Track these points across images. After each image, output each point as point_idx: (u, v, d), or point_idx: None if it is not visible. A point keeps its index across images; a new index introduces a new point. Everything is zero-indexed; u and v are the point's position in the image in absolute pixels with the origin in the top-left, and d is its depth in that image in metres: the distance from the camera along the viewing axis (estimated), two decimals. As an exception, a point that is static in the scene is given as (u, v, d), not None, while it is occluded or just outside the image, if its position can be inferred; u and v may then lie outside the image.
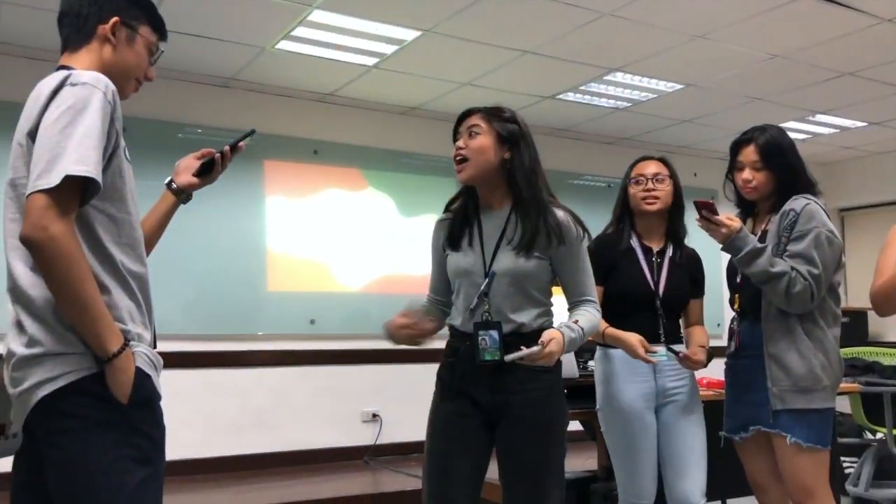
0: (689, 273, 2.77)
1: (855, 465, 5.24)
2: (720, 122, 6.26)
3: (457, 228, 2.28)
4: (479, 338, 2.15)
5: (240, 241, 5.40)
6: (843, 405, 5.14)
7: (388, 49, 4.83)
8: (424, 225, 6.06)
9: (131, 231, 1.61)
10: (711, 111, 6.12)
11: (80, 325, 1.47)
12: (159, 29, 1.77)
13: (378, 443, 5.73)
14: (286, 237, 5.65)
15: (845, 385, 3.99)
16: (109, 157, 1.54)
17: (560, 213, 2.23)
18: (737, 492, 2.70)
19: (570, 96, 5.78)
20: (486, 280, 2.18)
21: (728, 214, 2.58)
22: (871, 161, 7.48)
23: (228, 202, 5.21)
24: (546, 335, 2.07)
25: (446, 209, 2.36)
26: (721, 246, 2.57)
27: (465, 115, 2.29)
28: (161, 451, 1.60)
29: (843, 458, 5.19)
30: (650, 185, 2.70)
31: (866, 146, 7.09)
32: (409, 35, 4.62)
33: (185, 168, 1.95)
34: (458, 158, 2.23)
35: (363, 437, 5.75)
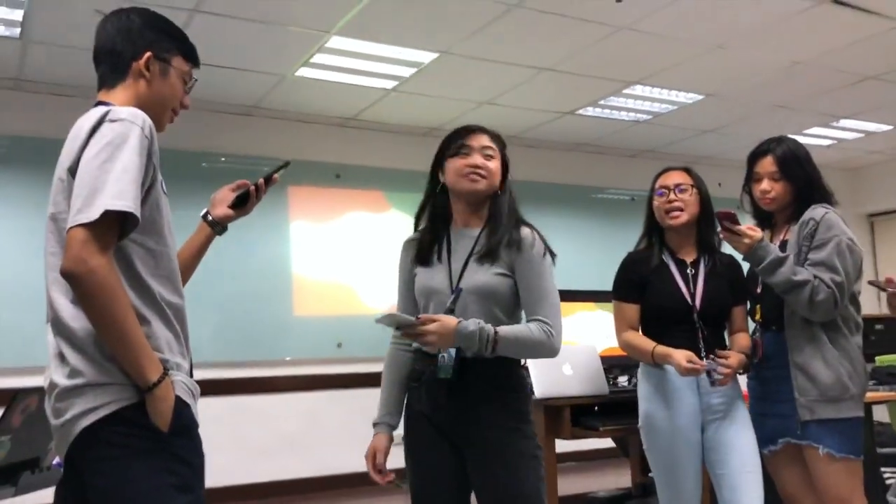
0: (729, 281, 2.70)
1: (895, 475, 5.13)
2: (743, 131, 6.22)
3: (426, 246, 2.25)
4: (440, 355, 2.10)
5: (265, 267, 5.43)
6: (881, 414, 5.04)
7: (407, 72, 4.86)
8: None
9: (168, 263, 1.63)
10: (734, 120, 6.09)
11: (120, 356, 1.49)
12: (191, 57, 1.80)
13: (409, 465, 5.70)
14: (311, 261, 5.68)
15: (884, 394, 3.92)
16: (147, 191, 1.57)
17: (525, 230, 2.19)
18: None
19: (590, 111, 5.78)
20: (453, 297, 2.12)
21: (749, 225, 2.57)
22: (899, 164, 7.38)
23: (254, 228, 5.24)
24: (433, 316, 2.01)
25: (416, 227, 2.34)
26: (743, 256, 2.54)
27: (473, 131, 2.24)
28: (201, 478, 1.61)
29: (883, 469, 5.08)
30: (672, 196, 2.64)
31: (892, 150, 7.00)
32: (427, 57, 4.65)
33: (221, 200, 1.99)
34: (480, 173, 2.18)
35: (394, 460, 5.71)
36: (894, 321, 6.11)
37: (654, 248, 2.70)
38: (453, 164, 2.20)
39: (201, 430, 1.64)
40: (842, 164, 7.40)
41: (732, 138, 6.46)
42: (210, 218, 1.97)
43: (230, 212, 1.98)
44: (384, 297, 5.91)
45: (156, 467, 1.51)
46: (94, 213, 1.45)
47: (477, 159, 2.18)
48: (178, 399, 1.55)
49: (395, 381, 2.30)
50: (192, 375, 1.67)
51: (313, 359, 5.62)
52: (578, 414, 3.20)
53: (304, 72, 4.81)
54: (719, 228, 2.54)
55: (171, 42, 1.75)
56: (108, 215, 1.45)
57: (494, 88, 5.21)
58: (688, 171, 2.73)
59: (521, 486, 2.04)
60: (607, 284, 2.80)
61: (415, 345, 2.18)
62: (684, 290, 2.63)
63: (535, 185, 6.38)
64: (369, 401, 6.03)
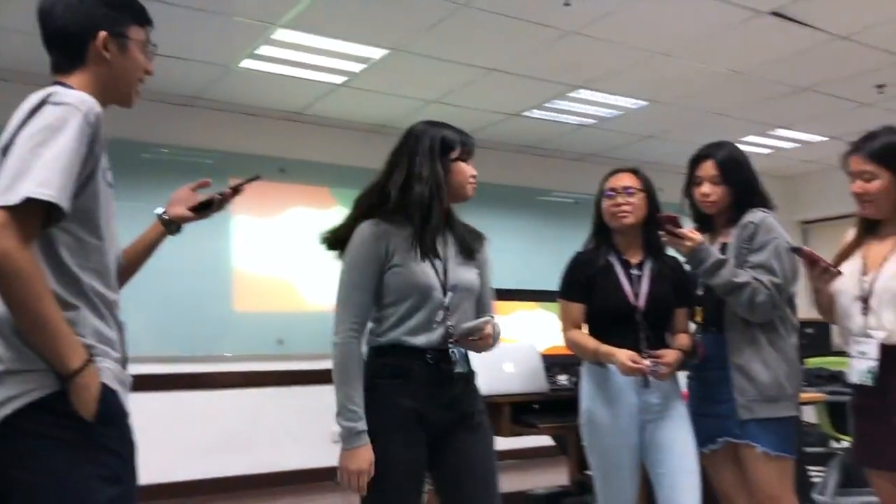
0: (673, 283, 2.75)
1: (821, 473, 5.30)
2: (684, 138, 6.33)
3: (406, 241, 2.16)
4: (451, 351, 2.14)
5: (205, 261, 5.34)
6: (809, 415, 5.21)
7: (356, 67, 4.84)
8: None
9: (101, 258, 1.56)
10: (675, 127, 6.22)
11: (38, 343, 1.44)
12: (143, 19, 1.71)
13: (349, 463, 5.68)
14: (253, 257, 5.61)
15: (812, 395, 4.04)
16: (85, 181, 1.50)
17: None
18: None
19: (537, 113, 5.83)
20: (449, 294, 2.16)
21: (690, 228, 2.62)
22: (832, 174, 7.61)
23: (193, 222, 5.15)
24: (488, 320, 2.15)
25: (381, 216, 2.20)
26: (684, 259, 2.60)
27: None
28: (131, 468, 1.56)
29: (809, 468, 5.25)
30: (621, 198, 2.66)
31: (827, 160, 7.23)
32: (377, 53, 4.63)
33: (180, 200, 1.93)
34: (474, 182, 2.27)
35: (334, 457, 5.67)
36: (823, 325, 6.28)
37: (601, 249, 2.72)
38: (460, 169, 2.22)
39: (138, 427, 1.60)
40: (778, 171, 7.62)
41: (673, 144, 6.59)
42: (166, 217, 1.91)
43: (188, 213, 1.93)
44: (327, 294, 5.86)
45: (81, 458, 1.45)
46: (13, 198, 1.39)
47: (472, 169, 2.27)
48: (104, 386, 1.48)
49: (360, 380, 2.11)
50: (125, 368, 1.63)
51: (254, 355, 5.56)
52: (518, 412, 3.22)
53: (248, 63, 4.75)
54: (661, 231, 2.58)
55: (122, 13, 1.65)
56: (30, 202, 1.39)
57: (443, 87, 5.22)
58: (636, 172, 2.74)
59: (495, 466, 2.22)
60: (551, 285, 2.83)
61: (400, 339, 2.12)
62: (628, 290, 2.66)
63: (482, 185, 6.35)
64: (311, 398, 6.04)
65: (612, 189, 2.68)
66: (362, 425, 2.06)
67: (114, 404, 1.52)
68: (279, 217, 5.75)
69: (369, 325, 2.19)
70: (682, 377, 2.76)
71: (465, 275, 2.21)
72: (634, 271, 2.68)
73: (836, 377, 4.66)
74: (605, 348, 2.57)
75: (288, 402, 5.61)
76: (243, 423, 5.41)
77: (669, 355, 2.57)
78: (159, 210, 1.93)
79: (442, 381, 2.15)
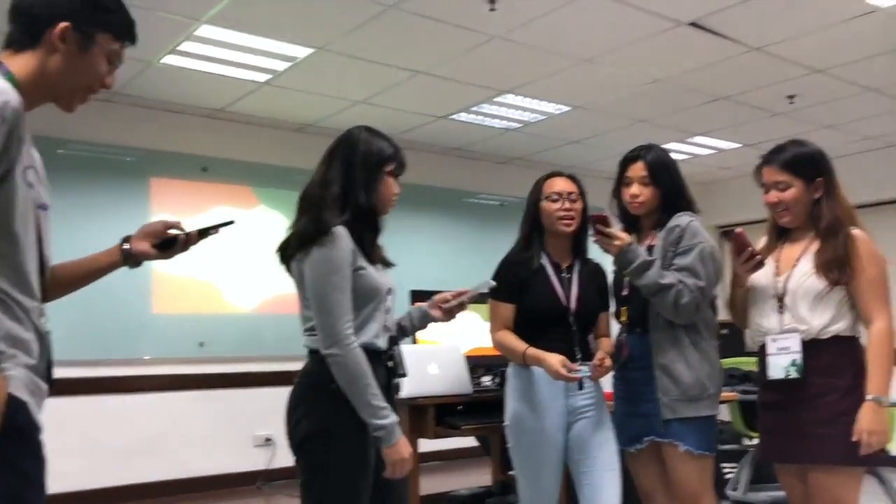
0: (597, 286, 2.81)
1: (734, 470, 5.49)
2: (606, 144, 6.50)
3: (357, 245, 2.15)
4: (397, 352, 2.21)
5: (124, 262, 5.18)
6: (723, 413, 5.38)
7: (281, 66, 4.78)
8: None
9: (17, 265, 1.45)
10: (598, 133, 6.35)
11: None
12: (123, 34, 1.60)
13: (272, 467, 5.60)
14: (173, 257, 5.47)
15: (725, 394, 4.18)
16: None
17: None
18: (626, 502, 2.77)
19: (463, 116, 5.87)
20: (392, 296, 2.24)
21: (619, 228, 2.67)
22: (746, 181, 7.88)
23: (112, 220, 4.99)
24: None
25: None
26: (613, 259, 2.65)
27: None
28: (37, 487, 1.45)
29: (723, 464, 5.43)
30: (567, 204, 2.70)
31: (741, 167, 7.50)
32: (302, 52, 4.58)
33: (147, 234, 1.85)
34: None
35: (256, 461, 5.61)
36: (736, 326, 6.47)
37: (533, 251, 2.75)
38: (389, 185, 2.23)
39: (53, 433, 1.52)
40: (694, 178, 7.84)
41: (596, 150, 6.73)
42: (127, 247, 1.82)
43: (152, 251, 1.85)
44: (250, 295, 5.78)
45: None
46: None
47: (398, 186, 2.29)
48: (12, 397, 1.37)
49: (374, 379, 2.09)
50: (49, 377, 1.51)
51: (174, 358, 5.43)
52: (442, 413, 3.24)
53: (170, 59, 4.64)
54: (591, 231, 2.61)
55: (101, 15, 1.55)
56: None
57: (370, 88, 5.20)
58: (574, 179, 2.80)
59: None
60: (475, 286, 2.84)
61: (364, 342, 2.10)
62: (560, 293, 2.70)
63: (408, 186, 6.39)
64: (232, 402, 5.93)
65: (557, 194, 2.72)
66: (396, 417, 2.09)
67: (21, 417, 1.41)
68: (200, 216, 5.62)
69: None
70: (605, 379, 2.82)
71: (389, 278, 2.26)
72: (565, 274, 2.73)
73: (749, 377, 4.84)
74: (533, 351, 2.60)
75: (209, 405, 5.49)
76: (163, 427, 5.27)
77: (606, 360, 2.63)
78: (124, 242, 1.83)
79: (390, 383, 2.21)
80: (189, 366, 5.47)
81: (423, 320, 2.44)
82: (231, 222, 1.95)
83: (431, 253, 6.29)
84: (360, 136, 2.23)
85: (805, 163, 2.55)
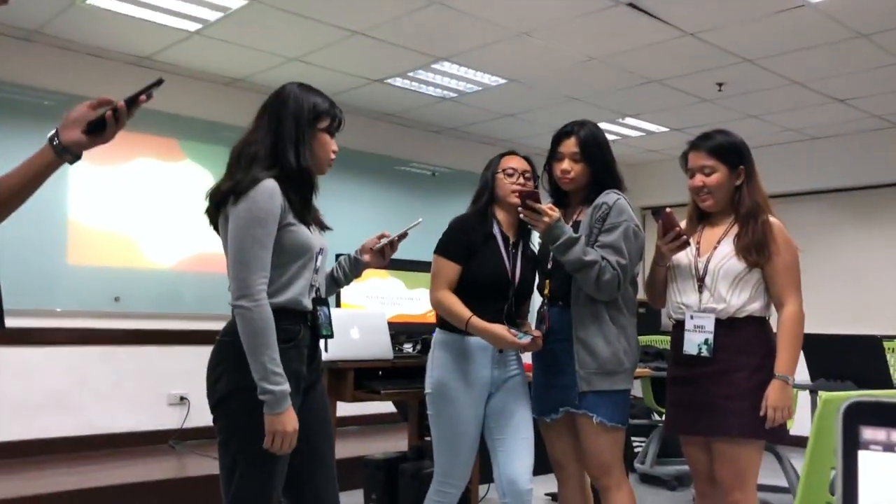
0: (533, 264, 2.87)
1: (643, 444, 5.68)
2: (540, 119, 6.54)
3: (287, 202, 2.10)
4: (320, 312, 2.19)
5: (37, 210, 4.95)
6: (634, 389, 5.54)
7: (213, 15, 4.63)
8: (244, 202, 5.87)
9: None
10: (532, 108, 6.38)
11: None
12: None
13: (185, 426, 5.52)
14: (90, 208, 5.29)
15: (638, 370, 4.31)
16: None
17: None
18: (538, 470, 2.84)
19: (398, 82, 5.81)
20: (323, 256, 2.22)
21: (549, 205, 2.69)
22: (672, 164, 8.09)
23: (93, 147, 4.76)
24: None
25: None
26: (539, 234, 2.68)
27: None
28: None
29: (633, 438, 5.61)
30: (521, 180, 2.77)
31: (668, 150, 7.67)
32: (236, 3, 4.44)
33: (74, 121, 1.62)
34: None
35: (170, 420, 5.52)
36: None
37: (487, 221, 2.79)
38: (323, 142, 2.20)
39: None
40: (623, 159, 7.97)
41: (530, 125, 6.78)
42: (57, 142, 1.60)
43: (83, 138, 1.63)
44: (170, 251, 5.64)
45: None
46: None
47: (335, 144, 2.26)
48: None
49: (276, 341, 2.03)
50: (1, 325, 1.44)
51: (87, 311, 5.26)
52: (362, 378, 3.24)
53: (95, 0, 4.44)
54: (520, 206, 2.63)
55: None
56: None
57: (304, 45, 5.10)
58: (529, 161, 2.87)
59: None
60: (403, 253, 2.84)
61: (279, 303, 2.06)
62: (508, 266, 2.75)
63: (339, 150, 6.33)
64: (146, 359, 5.81)
65: (513, 169, 2.79)
66: (288, 387, 2.01)
67: None
68: (122, 168, 5.44)
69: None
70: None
71: (323, 241, 2.24)
72: (511, 249, 2.77)
73: (662, 354, 5.00)
74: (478, 322, 2.63)
75: (122, 362, 5.36)
76: (73, 382, 5.12)
77: (537, 332, 2.69)
78: (51, 133, 1.62)
79: (315, 344, 2.20)
80: (103, 320, 5.32)
81: (356, 267, 2.43)
82: (160, 81, 1.74)
83: (360, 219, 6.23)
84: (293, 91, 2.18)
85: (730, 150, 2.68)
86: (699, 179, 2.67)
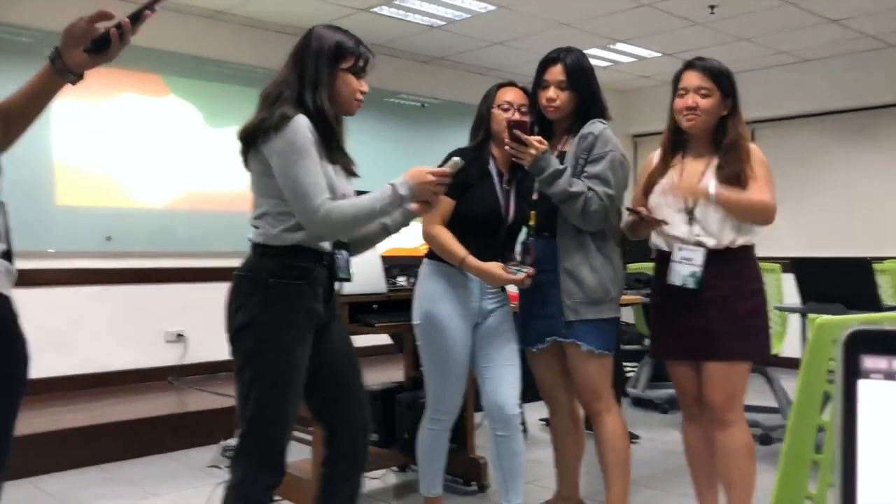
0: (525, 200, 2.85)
1: (635, 369, 5.78)
2: (530, 46, 6.42)
3: (320, 143, 2.15)
4: (338, 255, 2.25)
5: (22, 151, 4.86)
6: (626, 315, 5.61)
7: (192, -54, 4.49)
8: (232, 137, 5.80)
9: None
10: (521, 35, 6.27)
11: None
12: None
13: (184, 363, 5.58)
14: (76, 147, 5.22)
15: (629, 297, 4.34)
16: None
17: None
18: (526, 398, 2.90)
19: (385, 10, 5.69)
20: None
21: (538, 137, 2.64)
22: (664, 90, 8.00)
23: (95, 67, 4.68)
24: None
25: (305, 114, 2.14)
26: (525, 166, 2.66)
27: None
28: (17, 384, 1.43)
29: (624, 364, 5.70)
30: (518, 114, 2.71)
31: (659, 76, 7.58)
32: (215, -68, 4.31)
33: (76, 38, 1.54)
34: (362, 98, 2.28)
35: (168, 357, 5.57)
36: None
37: (482, 156, 2.76)
38: (347, 81, 2.21)
39: None
40: (614, 85, 7.91)
41: (519, 52, 6.67)
42: (59, 61, 1.54)
43: (86, 57, 1.56)
44: (161, 190, 5.60)
45: None
46: None
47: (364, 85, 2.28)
48: None
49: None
50: (10, 259, 1.45)
51: (79, 252, 5.25)
52: (357, 311, 3.26)
53: (71, -68, 4.29)
54: (507, 138, 2.59)
55: None
56: None
57: (287, -25, 4.96)
58: (527, 92, 2.80)
59: None
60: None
61: (296, 240, 2.13)
62: (502, 203, 2.74)
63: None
64: (140, 297, 5.82)
65: (509, 103, 2.73)
66: (388, 190, 2.16)
67: (6, 315, 1.37)
68: (106, 104, 5.35)
69: (266, 221, 2.16)
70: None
71: (347, 186, 2.27)
72: (506, 186, 2.76)
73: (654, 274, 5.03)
74: (474, 261, 2.64)
75: (117, 301, 5.37)
76: (68, 322, 5.15)
77: (530, 269, 2.69)
78: (50, 53, 1.56)
79: (331, 284, 2.26)
80: (95, 259, 5.31)
81: (406, 218, 2.42)
82: None
83: (350, 152, 6.18)
84: (317, 32, 2.21)
85: (726, 77, 2.67)
86: (692, 99, 2.64)
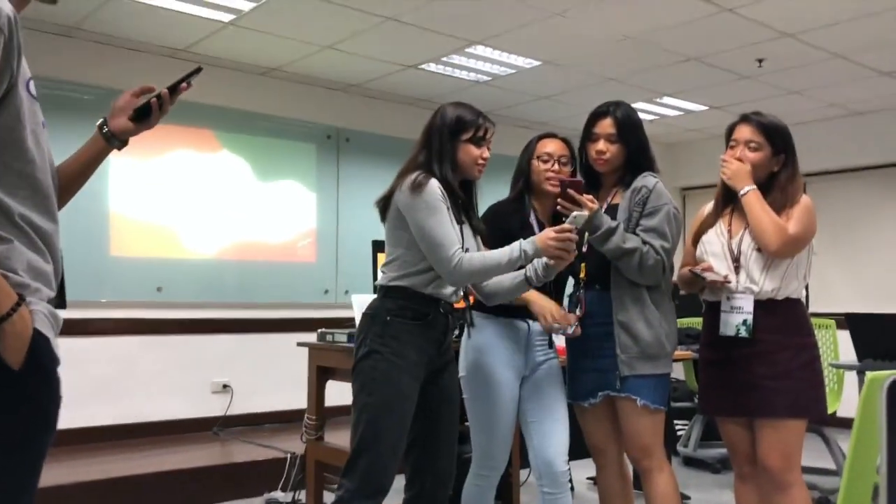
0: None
1: (685, 427, 5.63)
2: (575, 100, 6.46)
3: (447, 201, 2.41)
4: (467, 310, 2.60)
5: (80, 203, 4.99)
6: (677, 371, 5.49)
7: (246, 6, 4.65)
8: (283, 190, 5.92)
9: (37, 185, 1.39)
10: (568, 89, 6.31)
11: None
12: None
13: (228, 413, 5.60)
14: (131, 200, 5.37)
15: (680, 353, 4.25)
16: (3, 96, 1.30)
17: None
18: (573, 455, 2.83)
19: (432, 67, 5.79)
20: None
21: (589, 196, 2.61)
22: (712, 143, 7.95)
23: (139, 133, 4.83)
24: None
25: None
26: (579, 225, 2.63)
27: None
28: (52, 428, 1.46)
29: (675, 421, 5.56)
30: (557, 166, 2.74)
31: (708, 129, 7.54)
32: (269, -7, 4.46)
33: (121, 109, 1.75)
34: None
35: (213, 408, 5.60)
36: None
37: (523, 207, 2.78)
38: (468, 151, 2.50)
39: None
40: (661, 139, 7.88)
41: (565, 106, 6.70)
42: (106, 129, 1.73)
43: (130, 125, 1.75)
44: (211, 241, 5.71)
45: (3, 409, 1.32)
46: None
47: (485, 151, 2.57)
48: (36, 332, 1.36)
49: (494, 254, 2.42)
50: (63, 306, 1.49)
51: (131, 301, 5.35)
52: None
53: (132, -5, 4.48)
54: (560, 197, 2.57)
55: None
56: None
57: (338, 33, 5.09)
58: (568, 143, 2.82)
59: None
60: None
61: (433, 291, 2.42)
62: None
63: (373, 136, 6.33)
64: (189, 347, 5.89)
65: (549, 155, 2.77)
66: (518, 247, 2.36)
67: (44, 353, 1.40)
68: (160, 159, 5.51)
69: (392, 267, 2.44)
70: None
71: (473, 243, 2.52)
72: (558, 205, 2.74)
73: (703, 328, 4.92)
74: (532, 293, 2.66)
75: (166, 350, 5.45)
76: (118, 371, 5.22)
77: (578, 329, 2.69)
78: (100, 121, 1.75)
79: (447, 331, 2.49)
80: (146, 310, 5.40)
81: (547, 271, 2.51)
82: (199, 69, 1.85)
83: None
84: (441, 109, 2.53)
85: (779, 133, 2.66)
86: (741, 152, 2.63)
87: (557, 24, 4.87)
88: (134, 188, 5.38)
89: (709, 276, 2.63)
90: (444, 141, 2.46)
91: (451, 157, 2.45)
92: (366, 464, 2.30)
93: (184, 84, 1.80)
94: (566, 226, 2.36)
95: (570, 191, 2.56)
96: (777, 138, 2.63)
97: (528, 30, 4.97)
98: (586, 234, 2.63)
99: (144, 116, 1.77)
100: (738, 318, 2.58)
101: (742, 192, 2.60)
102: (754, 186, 2.59)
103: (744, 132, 2.65)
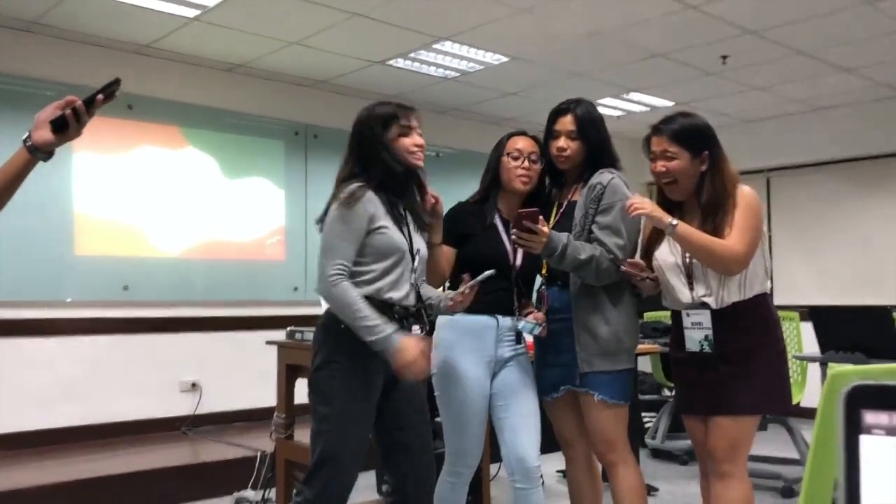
0: None
1: (653, 419, 5.70)
2: (544, 96, 6.49)
3: (383, 208, 2.42)
4: (419, 309, 2.51)
5: (43, 201, 4.97)
6: (644, 365, 5.55)
7: (211, 1, 4.60)
8: (250, 187, 5.89)
9: None
10: (535, 85, 6.34)
11: None
12: None
13: (197, 412, 5.56)
14: (96, 198, 5.29)
15: (647, 346, 4.30)
16: None
17: None
18: (547, 448, 2.85)
19: (400, 63, 5.78)
20: (419, 256, 2.50)
21: (540, 225, 2.52)
22: (677, 139, 8.05)
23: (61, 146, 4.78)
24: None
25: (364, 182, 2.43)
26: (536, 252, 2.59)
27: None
28: None
29: (643, 413, 5.62)
30: (527, 163, 2.74)
31: (673, 124, 7.61)
32: (234, -11, 4.42)
33: (44, 121, 1.76)
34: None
35: (182, 407, 5.56)
36: (662, 281, 6.55)
37: (488, 206, 2.79)
38: (401, 145, 2.48)
39: None
40: (628, 134, 7.92)
41: (533, 102, 6.73)
42: (30, 143, 1.75)
43: (51, 137, 1.75)
44: (178, 239, 5.65)
45: None
46: None
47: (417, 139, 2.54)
48: None
49: (363, 302, 2.35)
50: None
51: (96, 301, 5.29)
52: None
53: (95, -10, 4.42)
54: (515, 229, 2.52)
55: None
56: None
57: (305, 29, 5.07)
58: (538, 141, 2.82)
59: None
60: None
61: (385, 294, 2.41)
62: (509, 249, 2.74)
63: (341, 132, 6.30)
64: (156, 346, 5.83)
65: (519, 151, 2.76)
66: (389, 327, 2.32)
67: None
68: (125, 156, 5.44)
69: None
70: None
71: (419, 242, 2.51)
72: (513, 235, 2.74)
73: (670, 330, 4.98)
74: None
75: (133, 350, 5.39)
76: (84, 371, 5.16)
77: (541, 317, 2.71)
78: (25, 135, 1.77)
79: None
80: (113, 309, 5.34)
81: (441, 309, 2.61)
82: (118, 81, 1.85)
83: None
84: (361, 115, 2.52)
85: (692, 135, 2.59)
86: (661, 165, 2.58)
87: (525, 20, 4.90)
88: (99, 186, 5.30)
89: (623, 267, 2.59)
90: (373, 145, 2.45)
91: (385, 159, 2.44)
92: (328, 474, 2.32)
93: (100, 96, 1.79)
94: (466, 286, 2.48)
95: (527, 222, 2.50)
96: (692, 141, 2.56)
97: (495, 26, 4.99)
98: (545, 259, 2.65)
99: (63, 128, 1.76)
100: (699, 333, 2.57)
101: (669, 231, 2.49)
102: (676, 221, 2.48)
103: (658, 144, 2.60)
